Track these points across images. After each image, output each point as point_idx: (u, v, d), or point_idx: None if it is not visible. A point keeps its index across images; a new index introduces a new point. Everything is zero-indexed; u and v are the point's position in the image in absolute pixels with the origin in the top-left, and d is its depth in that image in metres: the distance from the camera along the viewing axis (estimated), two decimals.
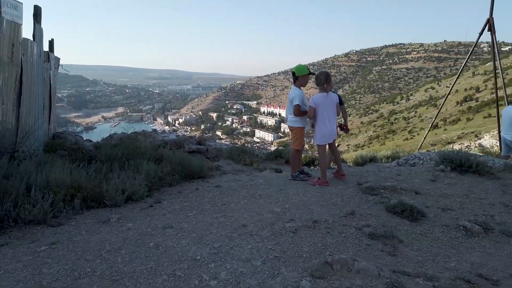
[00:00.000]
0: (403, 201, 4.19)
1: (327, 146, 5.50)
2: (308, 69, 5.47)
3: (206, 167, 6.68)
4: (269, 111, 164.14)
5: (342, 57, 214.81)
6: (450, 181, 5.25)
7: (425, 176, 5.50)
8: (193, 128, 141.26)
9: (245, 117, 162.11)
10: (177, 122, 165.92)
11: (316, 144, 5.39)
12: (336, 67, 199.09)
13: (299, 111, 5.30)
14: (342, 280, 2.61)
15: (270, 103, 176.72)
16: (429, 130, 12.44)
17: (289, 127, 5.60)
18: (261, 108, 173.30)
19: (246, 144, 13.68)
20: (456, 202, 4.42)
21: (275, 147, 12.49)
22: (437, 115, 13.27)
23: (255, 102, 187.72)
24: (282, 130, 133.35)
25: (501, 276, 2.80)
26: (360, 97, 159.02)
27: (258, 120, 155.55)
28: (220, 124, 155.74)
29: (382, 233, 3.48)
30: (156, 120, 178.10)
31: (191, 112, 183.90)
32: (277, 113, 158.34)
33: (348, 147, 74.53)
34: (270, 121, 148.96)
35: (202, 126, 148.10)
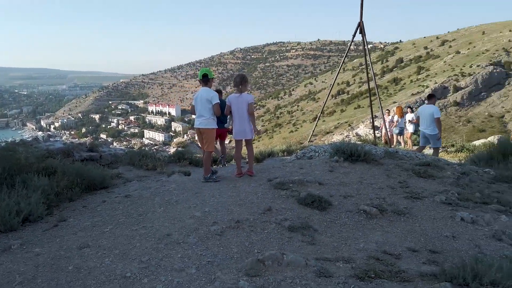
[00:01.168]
0: (311, 193, 4.59)
1: (243, 143, 5.90)
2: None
3: (108, 176, 6.26)
4: (158, 110, 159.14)
5: (228, 55, 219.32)
6: (345, 170, 5.89)
7: (324, 167, 6.06)
8: (72, 132, 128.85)
9: (132, 118, 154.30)
10: (52, 126, 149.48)
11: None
12: (222, 64, 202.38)
13: (220, 110, 5.61)
14: (275, 274, 2.78)
15: (159, 101, 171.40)
16: (316, 124, 13.64)
17: (202, 129, 5.62)
18: (149, 107, 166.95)
19: (144, 147, 13.13)
20: (353, 189, 5.00)
21: (175, 148, 12.26)
22: (322, 109, 14.59)
23: (142, 101, 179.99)
24: (173, 129, 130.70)
25: (401, 250, 3.30)
26: (247, 93, 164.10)
27: (147, 120, 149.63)
28: (104, 126, 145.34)
29: (299, 225, 3.78)
30: (26, 126, 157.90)
31: (69, 114, 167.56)
32: (167, 112, 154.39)
33: None
34: (160, 121, 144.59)
35: (83, 130, 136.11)
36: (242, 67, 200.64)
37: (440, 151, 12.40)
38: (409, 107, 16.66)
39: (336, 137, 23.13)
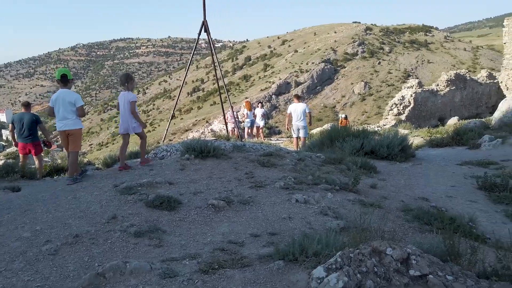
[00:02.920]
0: (160, 194, 4.50)
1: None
2: None
3: None
4: None
5: (68, 51, 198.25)
6: (195, 167, 5.96)
7: (175, 166, 6.01)
8: None
9: None
10: None
11: None
12: (63, 61, 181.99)
13: (84, 111, 5.78)
14: (117, 286, 2.62)
15: None
16: (169, 123, 13.44)
17: (69, 131, 5.60)
18: None
19: None
20: (203, 185, 5.10)
21: (3, 161, 10.48)
22: (175, 107, 14.46)
23: None
24: (4, 138, 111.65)
25: (244, 238, 3.51)
26: (96, 93, 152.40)
27: None
28: None
29: (146, 229, 3.65)
30: None
31: None
32: None
33: (91, 147, 70.67)
34: None
35: None
36: (87, 64, 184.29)
37: (285, 140, 13.72)
38: (260, 102, 17.93)
39: (194, 134, 23.34)
